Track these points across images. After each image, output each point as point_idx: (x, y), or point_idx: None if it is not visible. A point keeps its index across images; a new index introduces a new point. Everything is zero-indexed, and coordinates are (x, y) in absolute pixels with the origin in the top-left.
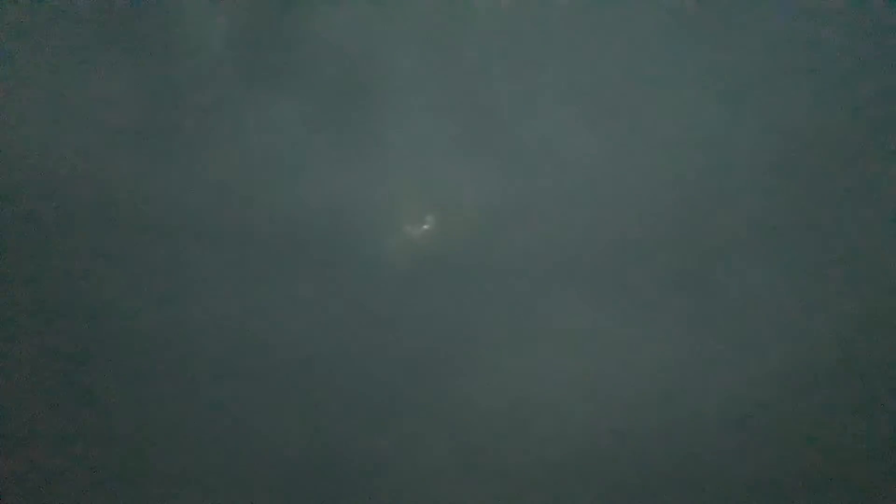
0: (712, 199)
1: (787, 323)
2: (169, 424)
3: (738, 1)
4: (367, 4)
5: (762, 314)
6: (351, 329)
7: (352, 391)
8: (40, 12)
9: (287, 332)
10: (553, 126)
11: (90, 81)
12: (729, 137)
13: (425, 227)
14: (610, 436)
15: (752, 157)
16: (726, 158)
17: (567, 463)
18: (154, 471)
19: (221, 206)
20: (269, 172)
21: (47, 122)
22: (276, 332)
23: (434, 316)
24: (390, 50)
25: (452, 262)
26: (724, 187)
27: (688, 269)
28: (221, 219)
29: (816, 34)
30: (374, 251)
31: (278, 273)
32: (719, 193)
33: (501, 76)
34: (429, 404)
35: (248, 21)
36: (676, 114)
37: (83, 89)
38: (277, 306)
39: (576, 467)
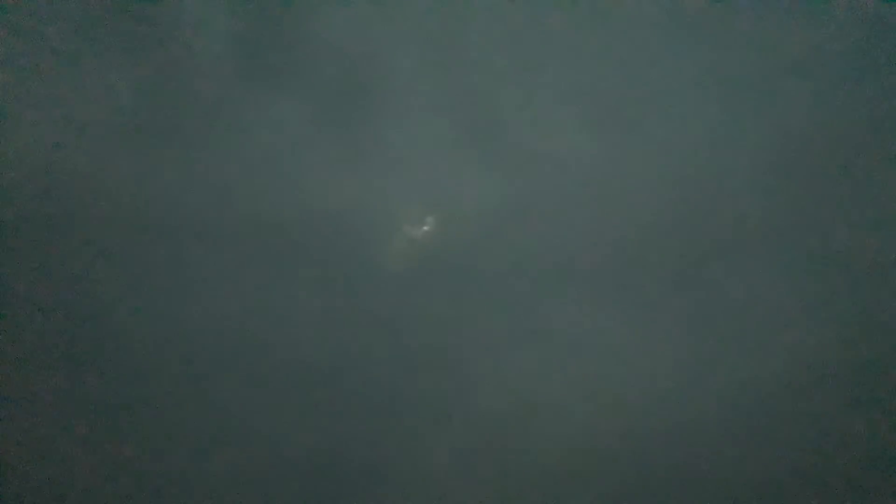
0: (712, 199)
1: (787, 323)
2: (169, 424)
3: (738, 1)
4: (367, 4)
5: (762, 314)
6: (351, 329)
7: (352, 391)
8: (39, 12)
9: (287, 332)
10: (553, 126)
11: (90, 81)
12: (729, 138)
13: (425, 227)
14: (610, 436)
15: (751, 157)
16: (726, 158)
17: (567, 463)
18: (154, 471)
19: (221, 206)
20: (270, 172)
21: (47, 122)
22: (276, 332)
23: (434, 316)
24: (390, 50)
25: (452, 263)
26: (723, 187)
27: (688, 269)
28: (221, 219)
29: (816, 34)
30: (374, 251)
31: (278, 273)
32: (719, 193)
33: (502, 77)
34: (429, 404)
35: (248, 21)
36: (676, 114)
37: (83, 89)
38: (277, 306)
39: (576, 467)
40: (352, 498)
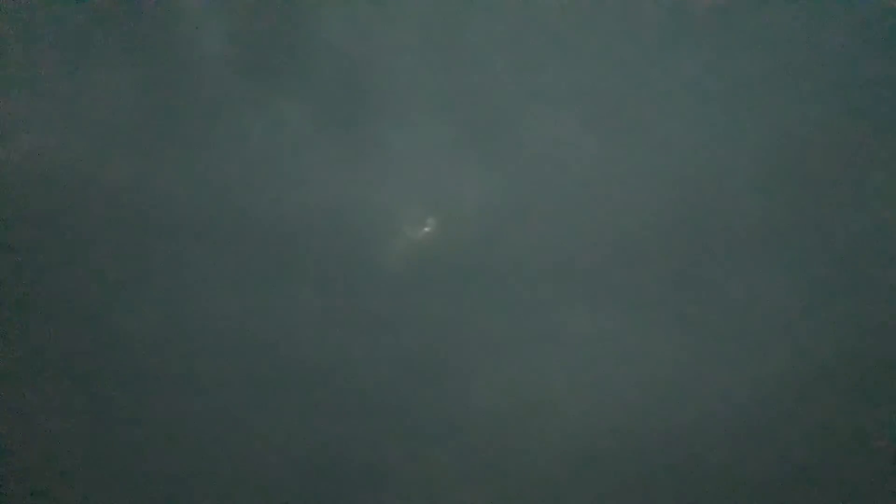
0: (712, 199)
1: (788, 323)
2: (169, 424)
3: (738, 1)
4: (367, 4)
5: (762, 314)
6: (351, 329)
7: (352, 391)
8: (40, 14)
9: (287, 332)
10: (553, 127)
11: (90, 82)
12: (729, 138)
13: (426, 228)
14: (610, 436)
15: (751, 157)
16: (726, 159)
17: (567, 463)
18: (154, 471)
19: (221, 206)
20: (270, 173)
21: (47, 123)
22: (276, 332)
23: (434, 317)
24: (391, 50)
25: (453, 263)
26: (723, 188)
27: (688, 270)
28: (221, 219)
29: (816, 34)
30: (374, 252)
31: (278, 273)
32: (719, 194)
33: (502, 77)
34: (429, 404)
35: (248, 21)
36: (676, 114)
37: (83, 90)
38: (277, 307)
39: (576, 467)
40: (352, 498)
